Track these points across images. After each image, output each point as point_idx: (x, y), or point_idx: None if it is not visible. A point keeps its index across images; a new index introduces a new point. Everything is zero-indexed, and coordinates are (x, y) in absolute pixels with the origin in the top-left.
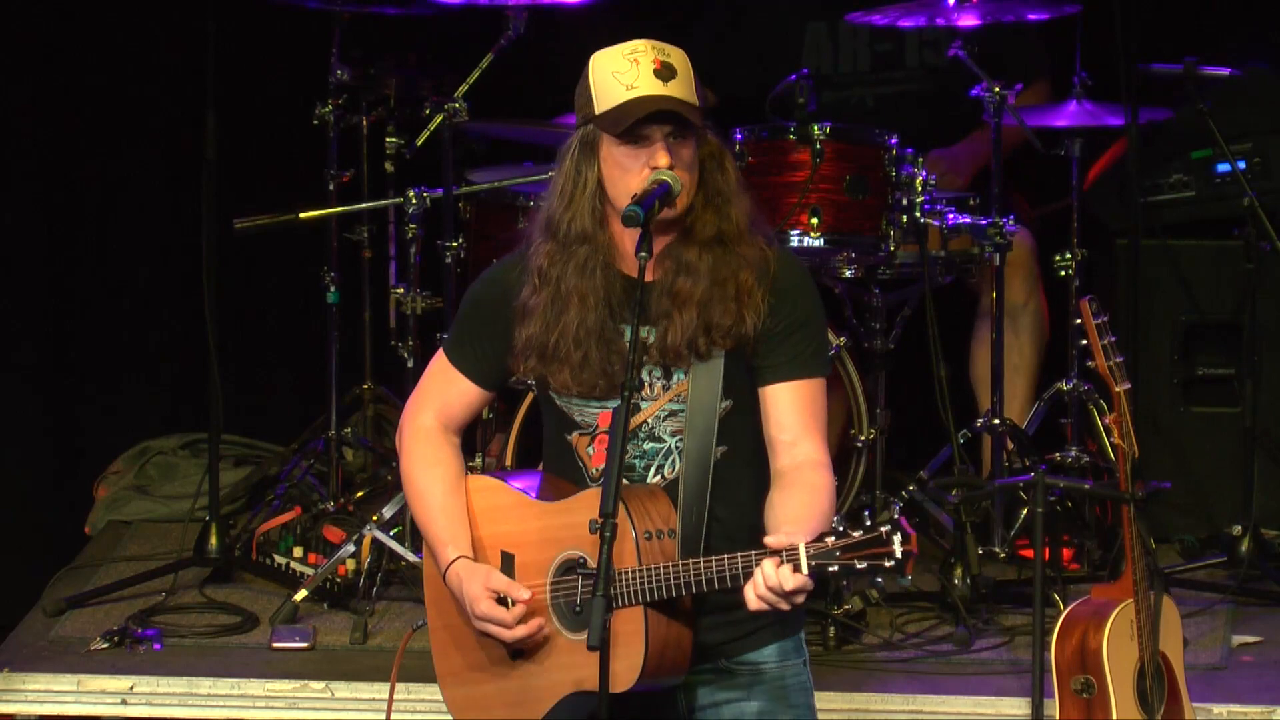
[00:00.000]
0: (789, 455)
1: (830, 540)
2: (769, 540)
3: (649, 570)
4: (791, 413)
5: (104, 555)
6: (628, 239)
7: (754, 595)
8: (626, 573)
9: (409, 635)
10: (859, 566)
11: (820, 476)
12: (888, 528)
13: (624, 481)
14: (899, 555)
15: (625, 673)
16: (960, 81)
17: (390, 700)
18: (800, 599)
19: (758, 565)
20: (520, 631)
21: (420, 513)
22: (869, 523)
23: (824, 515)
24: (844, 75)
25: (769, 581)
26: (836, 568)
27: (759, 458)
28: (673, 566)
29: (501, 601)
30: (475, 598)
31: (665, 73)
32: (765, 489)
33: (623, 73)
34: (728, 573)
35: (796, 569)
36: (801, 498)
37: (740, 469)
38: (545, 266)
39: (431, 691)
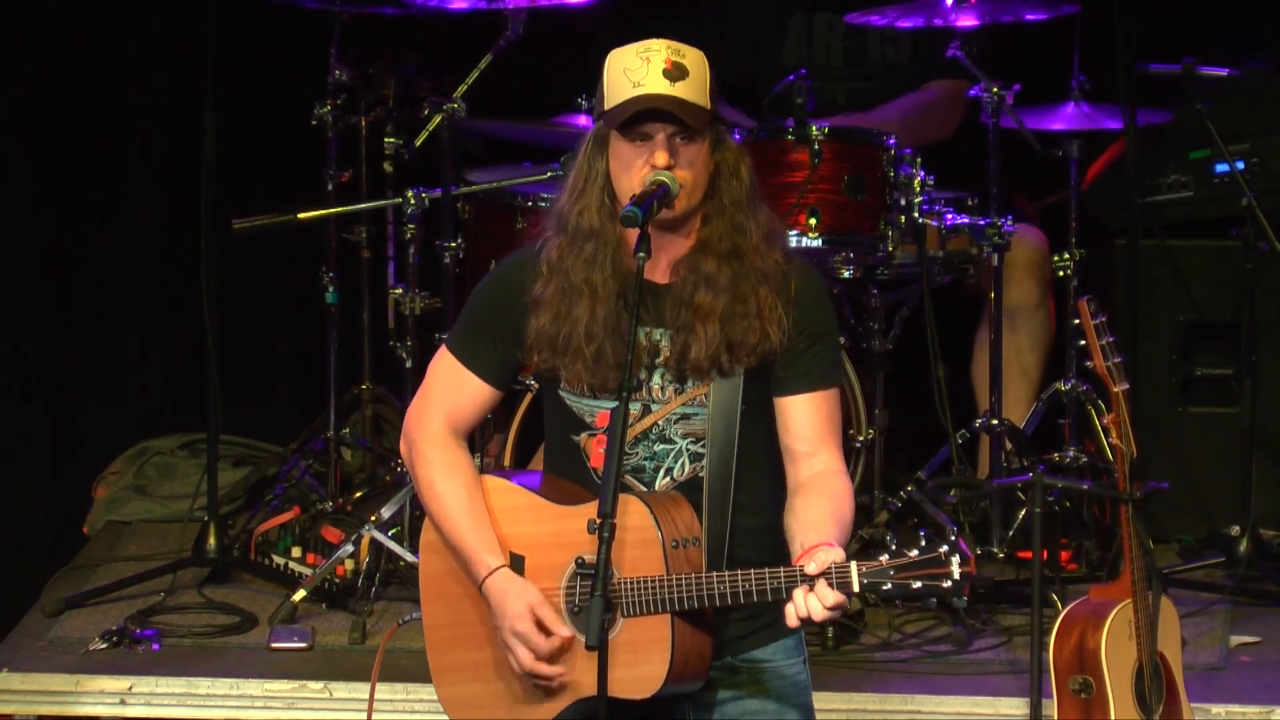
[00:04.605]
0: (808, 466)
1: (885, 559)
2: (809, 554)
3: (680, 579)
4: (810, 424)
5: (103, 555)
6: (634, 236)
7: (795, 613)
8: (655, 581)
9: (393, 629)
10: (914, 586)
11: (840, 483)
12: (945, 548)
13: (640, 487)
14: (957, 576)
15: (650, 680)
16: (920, 79)
17: (372, 691)
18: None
19: (803, 582)
20: (543, 668)
21: (446, 521)
22: (924, 543)
23: (845, 521)
24: (817, 69)
25: (815, 600)
26: (890, 586)
27: (772, 463)
28: (708, 577)
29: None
30: (517, 615)
31: (675, 73)
32: (779, 493)
33: (633, 70)
34: (769, 586)
35: (845, 587)
36: (823, 504)
37: (756, 474)
38: (556, 259)
39: (430, 691)
